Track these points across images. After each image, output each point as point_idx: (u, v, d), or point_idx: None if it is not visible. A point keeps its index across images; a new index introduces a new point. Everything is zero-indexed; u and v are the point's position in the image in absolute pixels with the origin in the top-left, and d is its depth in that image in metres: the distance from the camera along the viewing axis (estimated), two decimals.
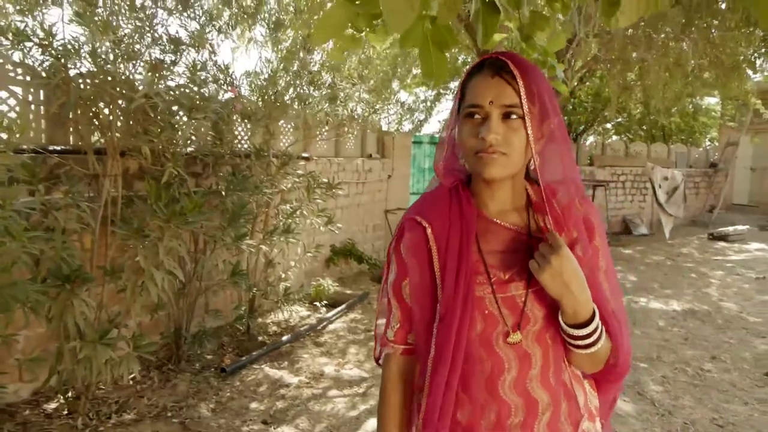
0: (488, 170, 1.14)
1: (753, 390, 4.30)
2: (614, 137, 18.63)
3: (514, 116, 1.13)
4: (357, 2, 1.33)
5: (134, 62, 3.39)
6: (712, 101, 17.62)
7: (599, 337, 1.15)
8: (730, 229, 12.47)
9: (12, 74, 3.70)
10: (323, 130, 6.12)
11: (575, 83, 9.61)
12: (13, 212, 2.59)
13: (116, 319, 3.60)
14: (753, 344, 5.41)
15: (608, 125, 18.22)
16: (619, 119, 17.79)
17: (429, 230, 1.22)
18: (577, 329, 1.13)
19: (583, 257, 1.17)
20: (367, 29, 1.46)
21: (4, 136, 2.79)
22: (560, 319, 1.15)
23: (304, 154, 6.25)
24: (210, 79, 4.10)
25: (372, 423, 3.61)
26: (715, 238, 12.31)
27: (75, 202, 3.26)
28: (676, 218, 12.40)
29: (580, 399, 1.23)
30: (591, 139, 17.68)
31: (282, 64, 4.97)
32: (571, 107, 14.78)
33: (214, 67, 4.32)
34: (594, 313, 1.14)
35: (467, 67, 1.22)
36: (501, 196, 1.23)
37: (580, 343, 1.14)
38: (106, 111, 3.57)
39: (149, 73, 3.45)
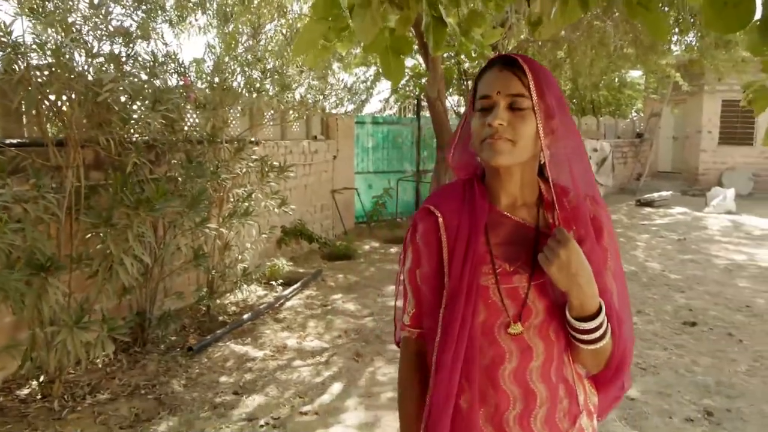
0: (495, 157, 1.18)
1: (672, 337, 4.84)
2: None
3: (521, 106, 1.18)
4: (329, 19, 1.59)
5: (92, 56, 3.50)
6: (635, 75, 18.52)
7: (605, 333, 1.17)
8: (656, 195, 13.33)
9: None
10: (271, 115, 6.30)
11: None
12: None
13: (85, 305, 3.75)
14: (674, 298, 6.01)
15: None
16: None
17: (440, 220, 1.28)
18: (584, 322, 1.16)
19: (590, 255, 1.17)
20: (336, 39, 1.72)
21: None
22: (567, 312, 1.18)
23: (252, 139, 6.41)
24: (163, 69, 4.23)
25: (336, 387, 3.92)
26: (642, 204, 13.15)
27: (41, 194, 3.39)
28: (606, 187, 13.16)
29: (581, 396, 1.26)
30: None
31: (229, 52, 5.12)
32: None
33: (166, 58, 4.45)
34: (600, 307, 1.17)
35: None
36: (512, 189, 1.27)
37: (585, 337, 1.17)
38: (64, 104, 3.68)
39: (111, 67, 3.57)
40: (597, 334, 1.16)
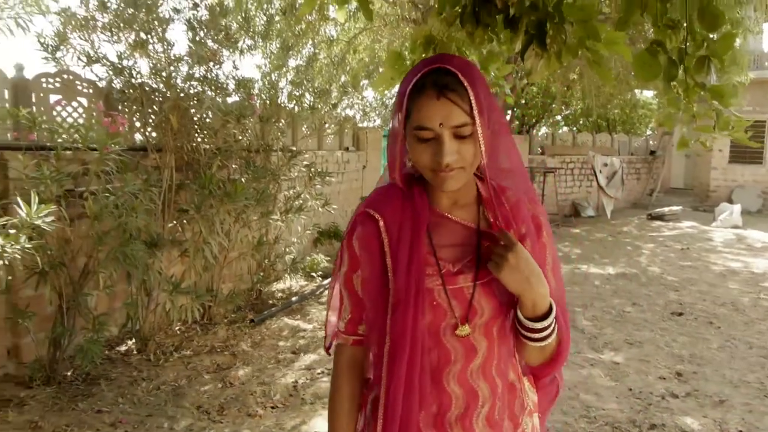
0: (447, 185, 1.16)
1: (659, 323, 5.64)
2: (564, 128, 20.13)
3: (465, 133, 1.12)
4: (395, 66, 2.48)
5: (194, 80, 4.45)
6: (649, 95, 19.24)
7: (553, 330, 1.18)
8: (666, 209, 14.03)
9: (79, 88, 4.73)
10: (312, 127, 7.24)
11: (525, 82, 10.90)
12: (128, 194, 3.67)
13: (175, 279, 4.67)
14: (667, 295, 6.78)
15: (558, 117, 19.68)
16: (567, 112, 19.29)
17: (381, 223, 1.24)
18: (536, 322, 1.16)
19: (532, 253, 1.18)
20: (398, 78, 2.61)
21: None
22: (519, 313, 1.18)
23: (294, 148, 7.35)
24: (239, 90, 5.18)
25: None
26: (653, 218, 13.86)
27: (147, 187, 4.32)
28: (616, 199, 13.91)
29: (521, 394, 1.28)
30: (543, 130, 19.16)
31: (278, 71, 6.07)
32: (523, 102, 16.18)
33: (233, 79, 5.41)
34: (551, 306, 1.17)
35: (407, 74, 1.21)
36: (452, 193, 1.24)
37: (536, 336, 1.17)
38: (171, 118, 4.63)
39: (207, 88, 4.53)
40: (547, 332, 1.18)
